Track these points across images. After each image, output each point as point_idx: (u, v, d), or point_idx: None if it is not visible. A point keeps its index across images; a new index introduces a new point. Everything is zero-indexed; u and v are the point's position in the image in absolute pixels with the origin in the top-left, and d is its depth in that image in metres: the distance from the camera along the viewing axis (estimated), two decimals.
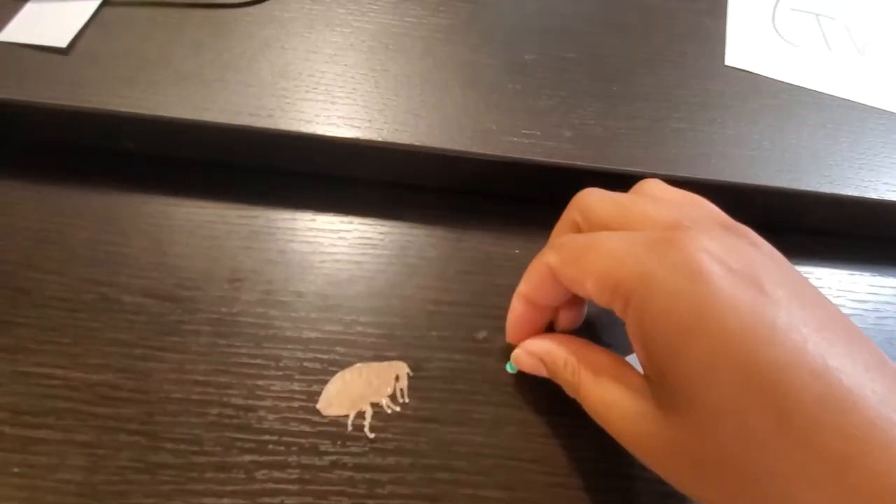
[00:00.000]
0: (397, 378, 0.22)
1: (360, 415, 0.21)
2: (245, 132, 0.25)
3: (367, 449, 0.21)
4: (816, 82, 0.30)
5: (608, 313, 0.21)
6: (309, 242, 0.26)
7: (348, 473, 0.20)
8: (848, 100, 0.30)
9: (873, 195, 0.26)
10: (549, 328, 0.22)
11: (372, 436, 0.21)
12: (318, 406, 0.21)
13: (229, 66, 0.27)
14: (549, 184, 0.27)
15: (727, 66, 0.31)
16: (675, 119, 0.28)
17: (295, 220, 0.26)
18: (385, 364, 0.23)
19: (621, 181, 0.26)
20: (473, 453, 0.21)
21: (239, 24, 0.29)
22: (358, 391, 0.22)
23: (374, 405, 0.22)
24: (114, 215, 0.26)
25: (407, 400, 0.22)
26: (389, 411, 0.22)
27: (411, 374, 0.22)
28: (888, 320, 0.26)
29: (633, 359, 0.23)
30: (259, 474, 0.20)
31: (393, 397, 0.22)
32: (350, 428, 0.21)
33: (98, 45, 0.28)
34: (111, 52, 0.27)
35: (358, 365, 0.23)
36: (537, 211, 0.27)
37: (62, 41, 0.27)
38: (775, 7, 0.34)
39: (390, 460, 0.21)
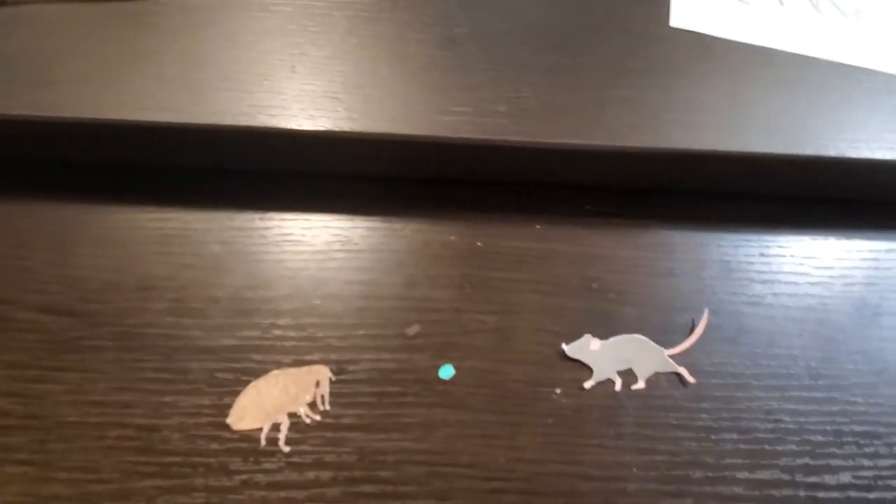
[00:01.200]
0: (317, 384, 0.20)
1: (276, 427, 0.20)
2: (152, 128, 0.23)
3: (282, 464, 0.19)
4: (769, 39, 0.29)
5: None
6: (226, 243, 0.24)
7: (261, 493, 0.18)
8: (803, 55, 0.28)
9: (832, 153, 0.24)
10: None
11: (287, 449, 0.19)
12: (229, 420, 0.20)
13: (135, 60, 0.25)
14: (484, 163, 0.25)
15: (673, 27, 0.29)
16: (618, 87, 0.26)
17: (211, 220, 0.25)
18: (304, 369, 0.21)
19: (558, 157, 0.24)
20: (402, 461, 0.19)
21: (147, 14, 0.27)
22: (273, 401, 0.20)
23: (292, 415, 0.20)
24: (13, 227, 0.24)
25: (328, 407, 0.20)
26: (308, 421, 0.20)
27: (333, 378, 0.21)
28: (855, 287, 0.24)
29: (576, 345, 0.22)
30: (161, 500, 0.18)
31: (312, 405, 0.20)
32: (264, 442, 0.19)
33: None
34: (10, 53, 0.25)
35: (274, 372, 0.21)
36: (472, 193, 0.26)
37: None
38: None
39: (309, 475, 0.19)
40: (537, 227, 0.25)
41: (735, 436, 0.20)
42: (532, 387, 0.21)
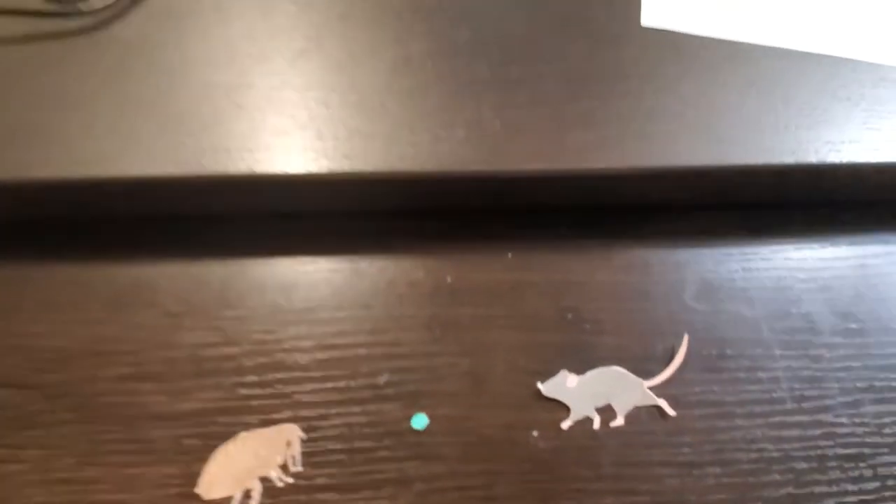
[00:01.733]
0: (288, 444, 0.20)
1: (247, 494, 0.19)
2: (87, 185, 0.22)
3: None
4: (745, 33, 0.27)
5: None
6: (180, 298, 0.23)
7: None
8: (780, 48, 0.27)
9: (813, 159, 0.23)
10: None
11: None
12: (198, 490, 0.19)
13: (66, 107, 0.24)
14: (447, 194, 0.24)
15: (644, 27, 0.27)
16: (583, 97, 0.25)
17: (162, 272, 0.24)
18: (273, 429, 0.20)
19: (516, 185, 0.23)
20: None
21: (77, 54, 0.25)
22: (243, 466, 0.20)
23: (264, 479, 0.19)
24: None
25: (300, 468, 0.20)
26: (281, 484, 0.20)
27: (304, 437, 0.20)
28: (842, 299, 0.23)
29: (552, 383, 0.21)
30: None
31: (284, 467, 0.20)
32: None
33: None
34: None
35: (242, 434, 0.20)
36: (440, 223, 0.25)
37: None
38: None
39: None
40: (509, 255, 0.24)
41: (718, 469, 0.20)
42: (508, 431, 0.21)
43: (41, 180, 0.22)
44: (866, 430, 0.21)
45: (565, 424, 0.21)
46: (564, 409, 0.21)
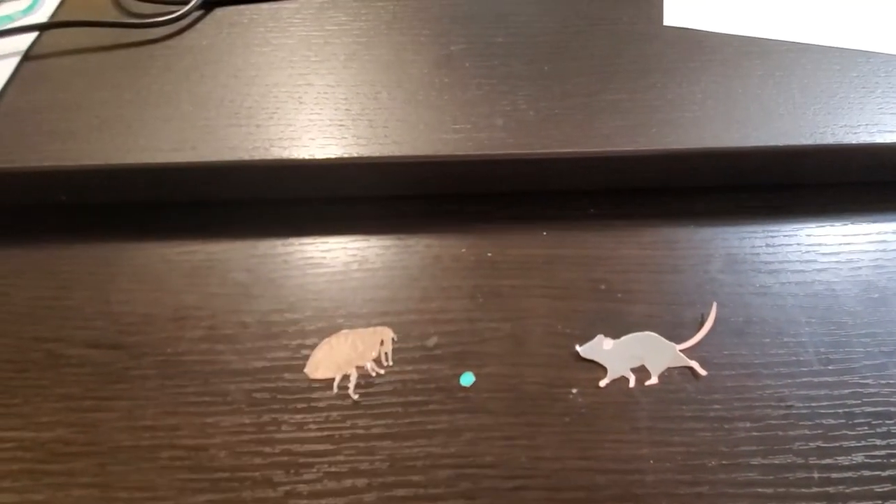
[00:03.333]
0: (382, 342, 0.24)
1: (346, 378, 0.23)
2: (169, 169, 0.26)
3: (321, 474, 0.21)
4: (763, 29, 0.30)
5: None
6: (250, 271, 0.26)
7: (304, 502, 0.21)
8: (798, 42, 0.29)
9: (830, 140, 0.26)
10: None
11: (356, 397, 0.23)
12: (306, 370, 0.23)
13: (149, 104, 0.28)
14: (487, 177, 0.27)
15: (666, 26, 0.30)
16: (611, 91, 0.28)
17: (234, 249, 0.27)
18: (370, 329, 0.24)
19: (556, 165, 0.26)
20: (430, 466, 0.21)
21: (157, 58, 0.30)
22: (343, 356, 0.23)
23: (360, 369, 0.23)
24: (54, 269, 0.27)
25: (392, 363, 0.23)
26: (374, 374, 0.23)
27: (395, 339, 0.24)
28: (862, 270, 0.25)
29: (590, 346, 0.23)
30: None
31: (378, 361, 0.23)
32: (336, 390, 0.23)
33: (20, 101, 0.29)
34: (33, 107, 0.28)
35: (344, 331, 0.24)
36: (479, 206, 0.28)
37: None
38: None
39: (346, 483, 0.21)
40: (544, 233, 0.27)
41: (748, 424, 0.22)
42: (548, 388, 0.23)
43: (128, 166, 0.26)
44: (893, 390, 0.23)
45: (603, 383, 0.23)
46: (601, 370, 0.23)
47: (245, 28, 0.31)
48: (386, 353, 0.23)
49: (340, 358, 0.23)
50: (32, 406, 0.23)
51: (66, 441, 0.22)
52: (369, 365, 0.23)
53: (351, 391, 0.23)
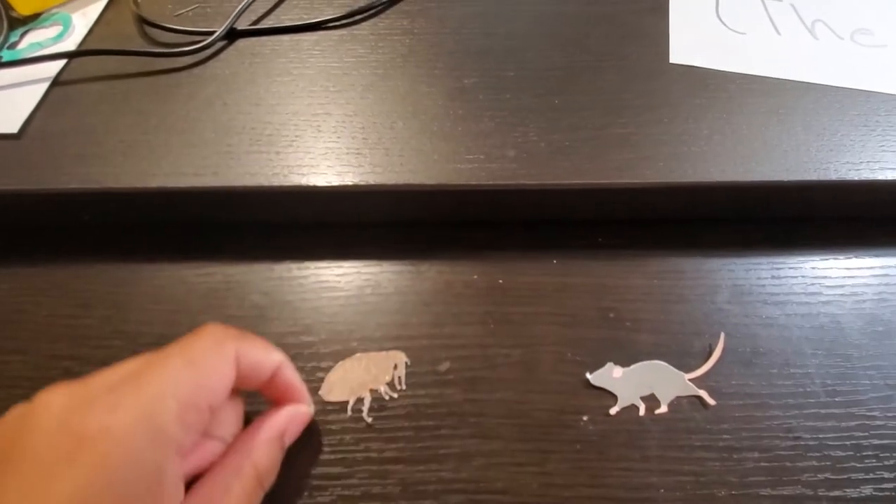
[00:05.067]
0: (395, 367, 0.25)
1: (360, 401, 0.24)
2: (191, 193, 0.27)
3: (334, 497, 0.22)
4: (766, 68, 0.32)
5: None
6: (266, 293, 0.27)
7: None
8: (801, 81, 0.31)
9: (833, 176, 0.27)
10: None
11: (370, 420, 0.23)
12: (321, 392, 0.24)
13: (173, 129, 0.30)
14: (499, 205, 0.29)
15: (672, 63, 0.32)
16: (619, 124, 0.29)
17: (251, 272, 0.28)
18: (383, 353, 0.25)
19: (565, 196, 0.28)
20: (442, 490, 0.22)
21: (182, 86, 0.32)
22: (357, 379, 0.24)
23: (373, 392, 0.24)
24: (73, 288, 0.28)
25: (405, 387, 0.24)
26: (388, 398, 0.24)
27: (409, 363, 0.25)
28: (867, 303, 0.26)
29: (600, 373, 0.24)
30: None
31: (391, 385, 0.24)
32: (349, 413, 0.24)
33: (48, 125, 0.30)
34: (60, 130, 0.30)
35: (357, 354, 0.25)
36: (491, 234, 0.29)
37: (13, 127, 0.30)
38: None
39: None
40: (554, 262, 0.28)
41: (756, 454, 0.23)
42: (559, 415, 0.24)
43: (152, 189, 0.28)
44: None
45: (613, 410, 0.24)
46: (611, 398, 0.24)
47: (267, 59, 0.33)
48: (399, 378, 0.24)
49: (354, 381, 0.24)
50: None
51: None
52: (383, 389, 0.24)
53: (365, 414, 0.24)
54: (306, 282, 0.28)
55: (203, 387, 0.18)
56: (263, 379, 0.21)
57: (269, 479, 0.21)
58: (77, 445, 0.16)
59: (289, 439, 0.22)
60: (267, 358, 0.21)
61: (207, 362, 0.19)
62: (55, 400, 0.18)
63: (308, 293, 0.27)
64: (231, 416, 0.21)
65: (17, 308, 0.27)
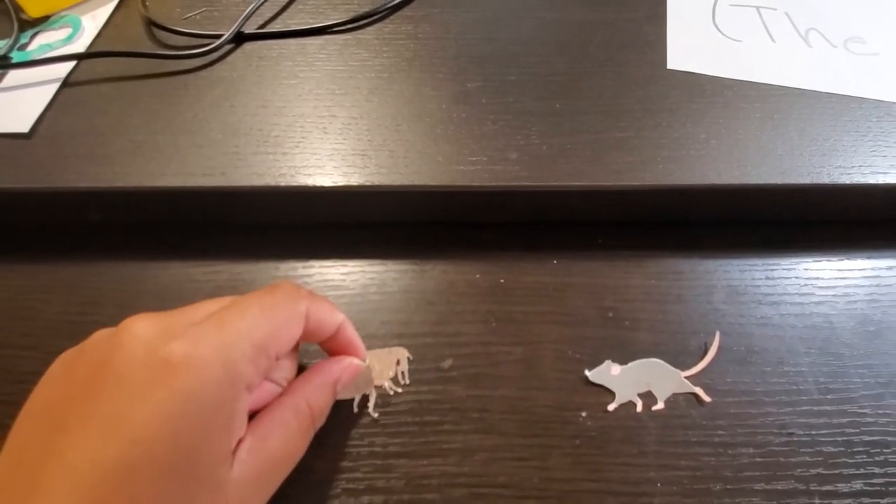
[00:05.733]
0: (398, 362, 0.25)
1: (365, 397, 0.25)
2: (199, 193, 0.28)
3: (339, 491, 0.23)
4: (761, 74, 0.33)
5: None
6: None
7: None
8: (795, 88, 0.32)
9: (826, 180, 0.28)
10: None
11: (377, 415, 0.24)
12: None
13: (181, 130, 0.30)
14: (501, 207, 0.29)
15: (670, 69, 0.33)
16: (619, 128, 0.30)
17: (258, 270, 0.29)
18: (386, 350, 0.26)
19: (566, 197, 0.28)
20: (445, 484, 0.23)
21: (189, 88, 0.32)
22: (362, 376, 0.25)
23: (378, 388, 0.25)
24: (83, 286, 0.28)
25: (408, 381, 0.25)
26: (392, 393, 0.25)
27: (411, 358, 0.26)
28: (858, 304, 0.27)
29: (598, 371, 0.25)
30: None
31: (395, 380, 0.25)
32: (356, 409, 0.24)
33: (58, 125, 0.31)
34: (70, 130, 0.31)
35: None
36: (493, 234, 0.30)
37: (24, 127, 0.30)
38: (715, 5, 0.36)
39: (363, 500, 0.22)
40: (554, 262, 0.29)
41: (751, 450, 0.23)
42: (559, 411, 0.24)
43: (160, 189, 0.28)
44: (889, 420, 0.24)
45: (611, 407, 0.24)
46: (609, 395, 0.25)
47: (274, 62, 0.34)
48: (402, 372, 0.25)
49: (359, 378, 0.25)
50: None
51: None
52: (387, 384, 0.25)
53: (371, 409, 0.24)
54: (312, 280, 0.28)
55: (275, 336, 0.20)
56: (327, 336, 0.23)
57: (321, 420, 0.22)
58: (162, 371, 0.17)
59: (340, 387, 0.23)
60: (332, 318, 0.23)
61: (281, 315, 0.20)
62: (142, 327, 0.19)
63: (312, 291, 0.28)
64: (289, 364, 0.22)
65: (28, 305, 0.28)
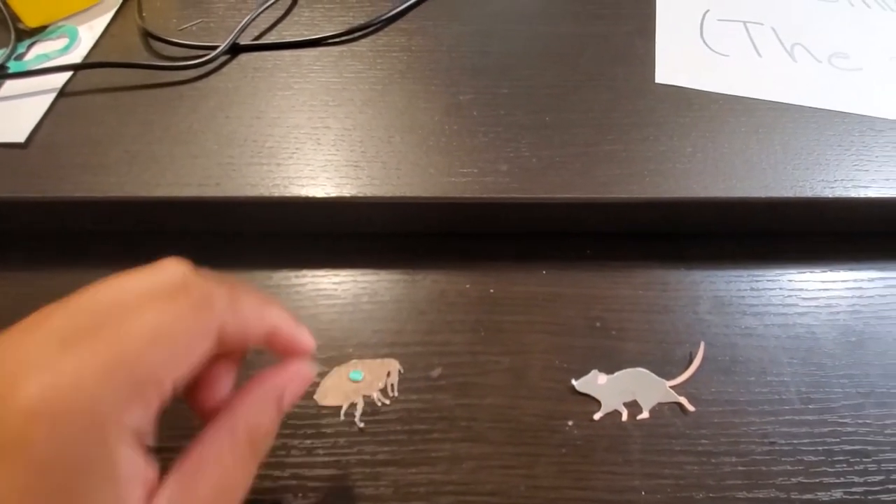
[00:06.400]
0: (388, 374, 0.26)
1: (352, 406, 0.25)
2: (194, 203, 0.29)
3: (326, 496, 0.23)
4: (748, 89, 0.33)
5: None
6: None
7: None
8: (780, 102, 0.33)
9: (809, 194, 0.29)
10: None
11: (362, 425, 0.25)
12: (315, 397, 0.25)
13: (177, 141, 0.31)
14: (491, 218, 0.30)
15: (658, 83, 0.34)
16: (607, 141, 0.31)
17: (251, 279, 0.29)
18: (378, 361, 0.26)
19: (556, 209, 0.29)
20: (433, 492, 0.23)
21: (185, 99, 0.33)
22: (352, 385, 0.26)
23: (366, 398, 0.25)
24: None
25: (397, 394, 0.26)
26: (380, 404, 0.25)
27: (402, 371, 0.26)
28: (840, 315, 0.28)
29: (585, 380, 0.26)
30: None
31: (384, 391, 0.26)
32: (342, 417, 0.25)
33: (54, 135, 0.31)
34: (66, 140, 0.31)
35: (353, 361, 0.26)
36: (483, 245, 0.30)
37: (21, 136, 0.31)
38: (703, 20, 0.37)
39: None
40: (543, 272, 0.29)
41: (734, 459, 0.24)
42: (546, 420, 0.25)
43: (156, 198, 0.29)
44: (869, 429, 0.25)
45: (597, 416, 0.25)
46: (595, 404, 0.25)
47: (268, 73, 0.34)
48: (392, 385, 0.26)
49: (349, 387, 0.25)
50: None
51: None
52: (376, 395, 0.25)
53: (357, 419, 0.25)
54: (304, 289, 0.29)
55: (170, 363, 0.15)
56: (254, 343, 0.18)
57: (266, 444, 0.18)
58: (10, 433, 0.13)
59: (288, 401, 0.19)
60: (257, 324, 0.18)
61: (179, 338, 0.15)
62: None
63: (305, 300, 0.29)
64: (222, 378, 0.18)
65: (23, 312, 0.28)
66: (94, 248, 0.30)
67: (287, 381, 0.19)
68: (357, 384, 0.26)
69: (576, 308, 0.28)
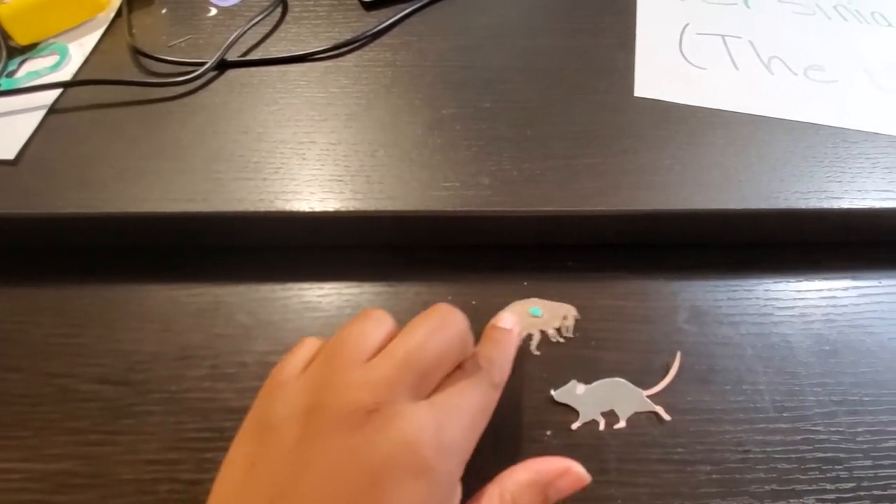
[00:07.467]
0: (565, 317, 0.28)
1: (528, 336, 0.28)
2: (181, 218, 0.29)
3: None
4: (725, 102, 0.34)
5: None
6: (251, 313, 0.29)
7: None
8: (757, 115, 0.34)
9: (784, 205, 0.30)
10: None
11: (538, 353, 0.27)
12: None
13: (165, 156, 0.32)
14: (473, 230, 0.31)
15: (637, 97, 0.35)
16: (587, 154, 0.32)
17: (238, 293, 0.30)
18: (557, 303, 0.29)
19: (537, 221, 0.30)
20: None
21: (174, 115, 0.34)
22: (530, 318, 0.28)
23: (542, 332, 0.28)
24: (68, 308, 0.30)
25: (571, 335, 0.28)
26: (554, 340, 0.28)
27: (579, 317, 0.28)
28: (815, 324, 0.29)
29: (564, 390, 0.26)
30: None
31: (559, 330, 0.28)
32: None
33: (44, 151, 0.32)
34: (56, 157, 0.32)
35: (534, 299, 0.29)
36: (465, 257, 0.31)
37: (10, 153, 0.32)
38: (682, 33, 0.38)
39: None
40: (524, 284, 0.30)
41: (709, 467, 0.25)
42: (526, 430, 0.26)
43: (144, 214, 0.29)
44: (841, 437, 0.25)
45: (575, 426, 0.26)
46: (574, 413, 0.26)
47: (255, 88, 0.35)
48: (567, 327, 0.28)
49: (527, 320, 0.28)
50: (42, 439, 0.25)
51: (72, 473, 0.24)
52: (551, 331, 0.28)
53: (533, 348, 0.28)
54: (290, 302, 0.29)
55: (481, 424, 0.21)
56: None
57: None
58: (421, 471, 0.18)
59: (554, 496, 0.20)
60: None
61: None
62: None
63: (291, 313, 0.29)
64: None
65: (13, 327, 0.29)
66: (83, 263, 0.31)
67: (557, 474, 0.21)
68: (535, 319, 0.28)
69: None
